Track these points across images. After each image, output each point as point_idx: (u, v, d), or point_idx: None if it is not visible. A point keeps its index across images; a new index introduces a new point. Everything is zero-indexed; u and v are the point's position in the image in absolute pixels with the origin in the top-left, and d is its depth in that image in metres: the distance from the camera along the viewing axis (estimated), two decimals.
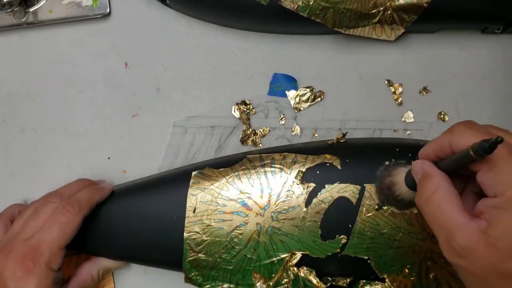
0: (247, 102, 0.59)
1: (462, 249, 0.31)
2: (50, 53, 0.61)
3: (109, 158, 0.59)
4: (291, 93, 0.60)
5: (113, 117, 0.60)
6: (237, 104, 0.59)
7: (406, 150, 0.51)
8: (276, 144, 0.59)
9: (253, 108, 0.59)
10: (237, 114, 0.59)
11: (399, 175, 0.44)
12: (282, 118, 0.60)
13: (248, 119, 0.59)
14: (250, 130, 0.59)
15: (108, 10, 0.60)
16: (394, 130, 0.60)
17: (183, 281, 0.54)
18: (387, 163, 0.48)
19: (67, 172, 0.58)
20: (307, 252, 0.49)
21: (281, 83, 0.60)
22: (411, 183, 0.42)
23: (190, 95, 0.60)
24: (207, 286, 0.51)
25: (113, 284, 0.57)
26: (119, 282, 0.58)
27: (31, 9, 0.59)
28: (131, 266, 0.57)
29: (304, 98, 0.60)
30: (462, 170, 0.36)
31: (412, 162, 0.40)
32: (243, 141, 0.58)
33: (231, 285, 0.50)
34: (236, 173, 0.51)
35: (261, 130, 0.59)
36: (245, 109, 0.59)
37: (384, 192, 0.47)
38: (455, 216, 0.32)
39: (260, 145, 0.59)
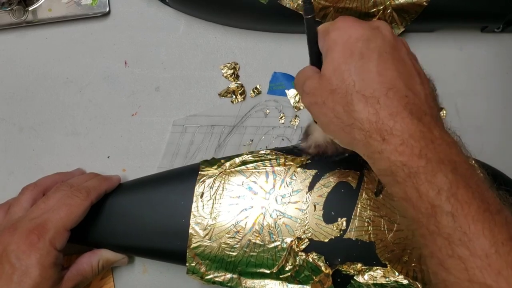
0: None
1: (309, 87, 0.42)
2: (50, 52, 0.61)
3: (108, 157, 0.59)
4: (290, 92, 0.60)
5: (113, 116, 0.60)
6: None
7: None
8: (276, 143, 0.59)
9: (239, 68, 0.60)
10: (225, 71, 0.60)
11: (313, 129, 0.50)
12: (281, 117, 0.60)
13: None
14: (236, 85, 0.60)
15: (107, 9, 0.60)
16: None
17: (183, 280, 0.54)
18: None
19: (67, 171, 0.58)
20: (311, 237, 0.50)
21: (281, 82, 0.60)
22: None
23: (189, 94, 0.60)
24: (210, 276, 0.51)
25: (112, 283, 0.57)
26: (118, 282, 0.57)
27: (30, 8, 0.59)
28: (130, 265, 0.57)
29: None
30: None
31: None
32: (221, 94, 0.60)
33: (234, 275, 0.50)
34: (242, 159, 0.53)
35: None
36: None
37: (320, 153, 0.50)
38: (309, 73, 0.43)
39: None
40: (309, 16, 0.42)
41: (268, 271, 0.50)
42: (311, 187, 0.52)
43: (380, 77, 0.39)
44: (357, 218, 0.50)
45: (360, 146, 0.39)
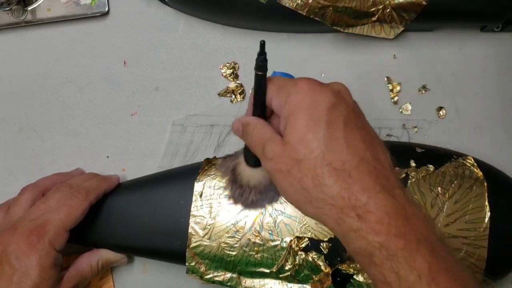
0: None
1: (270, 152, 0.39)
2: (49, 52, 0.61)
3: (108, 157, 0.59)
4: None
5: (112, 115, 0.60)
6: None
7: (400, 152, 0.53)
8: None
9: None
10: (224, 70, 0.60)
11: (241, 157, 0.47)
12: None
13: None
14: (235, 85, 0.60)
15: (106, 9, 0.60)
16: (391, 129, 0.60)
17: (182, 280, 0.54)
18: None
19: (66, 171, 0.58)
20: (310, 236, 0.50)
21: None
22: (248, 158, 0.45)
23: (189, 94, 0.60)
24: (209, 276, 0.51)
25: (112, 283, 0.57)
26: (118, 282, 0.57)
27: (30, 8, 0.59)
28: (130, 265, 0.57)
29: None
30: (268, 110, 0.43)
31: (232, 124, 0.45)
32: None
33: (234, 275, 0.50)
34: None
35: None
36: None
37: (241, 192, 0.48)
38: (266, 133, 0.40)
39: None
40: (261, 73, 0.40)
41: (267, 271, 0.50)
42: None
43: (349, 148, 0.37)
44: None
45: (332, 222, 0.37)
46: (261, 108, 0.42)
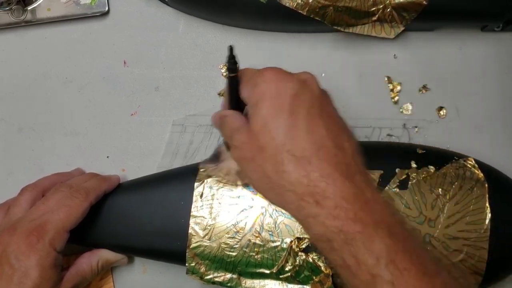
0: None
1: (237, 140, 0.40)
2: (49, 52, 0.60)
3: (108, 157, 0.59)
4: None
5: (112, 115, 0.60)
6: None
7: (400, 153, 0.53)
8: None
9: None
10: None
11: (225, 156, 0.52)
12: None
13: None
14: None
15: (106, 8, 0.60)
16: (391, 129, 0.59)
17: (182, 280, 0.54)
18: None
19: (66, 171, 0.58)
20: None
21: None
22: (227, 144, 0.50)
23: (189, 94, 0.60)
24: (209, 277, 0.51)
25: (112, 283, 0.57)
26: (118, 282, 0.57)
27: (29, 8, 0.59)
28: (130, 265, 0.57)
29: None
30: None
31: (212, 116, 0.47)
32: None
33: (234, 276, 0.50)
34: None
35: None
36: None
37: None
38: (237, 124, 0.42)
39: None
40: (233, 75, 0.42)
41: (268, 271, 0.50)
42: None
43: (309, 136, 0.38)
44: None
45: (292, 208, 0.38)
46: (235, 100, 0.44)
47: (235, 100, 0.44)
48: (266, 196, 0.41)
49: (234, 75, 0.42)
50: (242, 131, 0.40)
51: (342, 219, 0.35)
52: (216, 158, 0.53)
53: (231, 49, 0.41)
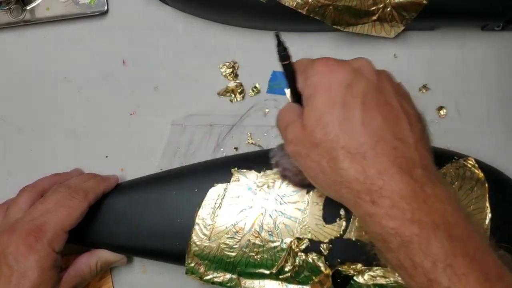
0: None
1: (291, 135, 0.39)
2: (48, 51, 0.60)
3: (107, 157, 0.59)
4: (290, 91, 0.59)
5: (111, 115, 0.60)
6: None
7: None
8: (275, 142, 0.59)
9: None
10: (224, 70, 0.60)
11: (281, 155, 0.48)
12: None
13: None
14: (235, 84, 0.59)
15: (105, 8, 0.60)
16: None
17: (182, 281, 0.53)
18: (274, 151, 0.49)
19: (65, 171, 0.58)
20: (311, 237, 0.50)
21: (280, 81, 0.60)
22: None
23: (188, 93, 0.60)
24: (209, 277, 0.50)
25: (111, 284, 0.57)
26: (117, 282, 0.57)
27: (28, 7, 0.59)
28: (129, 265, 0.57)
29: None
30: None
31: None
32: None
33: (233, 276, 0.50)
34: (242, 164, 0.53)
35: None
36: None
37: (294, 178, 0.48)
38: (291, 117, 0.40)
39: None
40: (286, 62, 0.41)
41: (267, 272, 0.50)
42: (311, 187, 0.51)
43: (365, 129, 0.36)
44: (357, 218, 0.50)
45: (350, 205, 0.37)
46: (295, 92, 0.42)
47: (294, 91, 0.42)
48: (325, 191, 0.40)
49: (287, 62, 0.41)
50: (296, 125, 0.39)
51: (399, 219, 0.34)
52: (279, 150, 0.49)
53: (278, 36, 0.39)
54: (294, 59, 0.60)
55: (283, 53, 0.40)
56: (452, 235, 0.33)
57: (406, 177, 0.35)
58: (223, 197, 0.51)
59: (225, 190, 0.51)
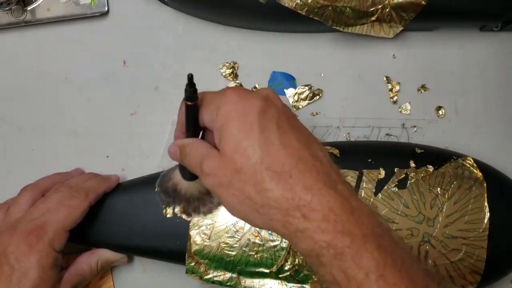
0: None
1: (209, 168, 0.39)
2: (48, 52, 0.61)
3: (107, 157, 0.59)
4: (289, 91, 0.60)
5: (112, 115, 0.60)
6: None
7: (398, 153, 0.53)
8: None
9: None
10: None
11: (176, 174, 0.47)
12: None
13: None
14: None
15: (106, 9, 0.60)
16: (390, 129, 0.60)
17: (182, 280, 0.54)
18: (162, 173, 0.49)
19: (66, 170, 0.58)
20: None
21: (280, 81, 0.60)
22: (185, 174, 0.46)
23: None
24: (209, 276, 0.51)
25: (112, 283, 0.57)
26: (118, 281, 0.57)
27: (29, 8, 0.59)
28: (130, 265, 0.57)
29: (303, 96, 0.60)
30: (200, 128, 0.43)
31: (168, 150, 0.45)
32: None
33: (233, 275, 0.50)
34: None
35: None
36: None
37: (177, 200, 0.48)
38: (204, 151, 0.40)
39: None
40: (192, 103, 0.40)
41: (267, 271, 0.50)
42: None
43: (286, 150, 0.37)
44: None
45: (279, 226, 0.37)
46: (193, 128, 0.42)
47: (192, 128, 0.42)
48: (249, 220, 0.39)
49: (194, 103, 0.40)
50: (212, 157, 0.39)
51: (330, 232, 0.34)
52: (173, 191, 0.48)
53: (190, 77, 0.39)
54: (294, 58, 0.61)
55: (192, 95, 0.40)
56: (381, 245, 0.34)
57: (331, 191, 0.36)
58: None
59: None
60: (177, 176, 0.47)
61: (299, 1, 0.53)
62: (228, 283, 0.50)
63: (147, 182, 0.54)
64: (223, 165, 0.38)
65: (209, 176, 0.39)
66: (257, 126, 0.37)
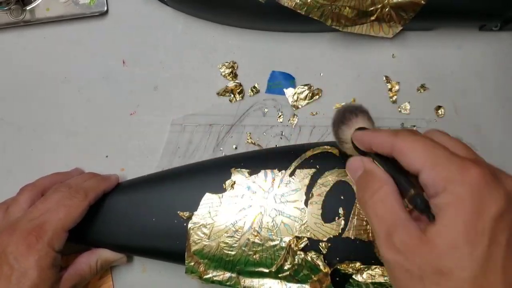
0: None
1: (402, 243, 0.32)
2: (48, 52, 0.61)
3: (107, 156, 0.59)
4: (289, 91, 0.60)
5: (111, 115, 0.60)
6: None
7: None
8: (274, 142, 0.59)
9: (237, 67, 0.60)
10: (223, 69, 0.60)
11: (347, 133, 0.44)
12: (280, 116, 0.60)
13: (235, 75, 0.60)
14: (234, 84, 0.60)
15: (105, 8, 0.60)
16: (389, 128, 0.60)
17: (182, 280, 0.54)
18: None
19: (65, 170, 0.58)
20: (310, 236, 0.50)
21: (279, 81, 0.60)
22: (358, 150, 0.42)
23: (188, 93, 0.60)
24: (208, 276, 0.51)
25: (111, 282, 0.57)
26: (117, 281, 0.57)
27: (28, 7, 0.59)
28: (129, 264, 0.57)
29: (302, 95, 0.60)
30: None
31: (350, 159, 0.41)
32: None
33: (233, 275, 0.51)
34: (241, 163, 0.53)
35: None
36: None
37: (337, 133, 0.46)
38: (398, 212, 0.34)
39: (253, 141, 0.59)
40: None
41: (266, 270, 0.50)
42: (310, 186, 0.51)
43: (504, 276, 0.31)
44: (356, 217, 0.50)
45: None
46: (395, 169, 0.36)
47: (405, 181, 0.35)
48: None
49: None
50: (410, 233, 0.32)
51: None
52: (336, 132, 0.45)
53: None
54: (294, 58, 0.61)
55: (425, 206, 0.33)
56: None
57: None
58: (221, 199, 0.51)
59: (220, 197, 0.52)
60: (347, 134, 0.44)
61: (298, 1, 0.53)
62: (228, 283, 0.50)
63: (147, 182, 0.54)
64: (424, 254, 0.32)
65: (398, 253, 0.33)
66: (487, 234, 0.31)
